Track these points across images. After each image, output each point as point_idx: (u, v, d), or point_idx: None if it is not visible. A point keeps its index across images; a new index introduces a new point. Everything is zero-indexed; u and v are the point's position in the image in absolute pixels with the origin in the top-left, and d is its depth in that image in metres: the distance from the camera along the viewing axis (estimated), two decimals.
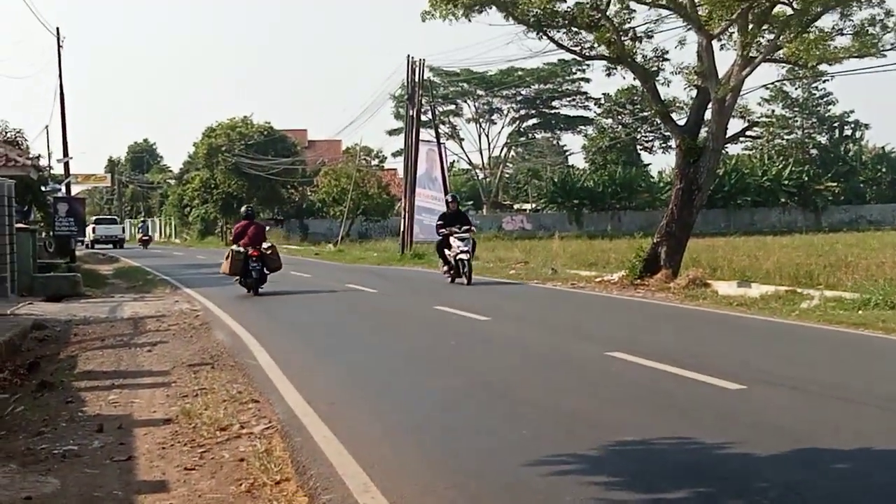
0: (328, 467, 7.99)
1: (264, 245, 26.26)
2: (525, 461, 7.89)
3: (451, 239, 27.64)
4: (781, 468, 7.56)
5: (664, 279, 24.46)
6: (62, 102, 47.01)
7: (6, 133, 44.30)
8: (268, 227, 31.00)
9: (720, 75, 24.70)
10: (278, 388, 11.63)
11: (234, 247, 26.34)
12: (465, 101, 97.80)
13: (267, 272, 26.27)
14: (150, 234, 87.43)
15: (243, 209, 28.89)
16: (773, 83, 58.38)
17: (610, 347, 13.84)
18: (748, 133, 37.44)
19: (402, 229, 48.06)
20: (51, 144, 62.14)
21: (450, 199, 30.36)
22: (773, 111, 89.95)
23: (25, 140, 46.81)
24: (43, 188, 42.59)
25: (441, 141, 51.95)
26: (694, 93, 26.42)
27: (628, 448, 8.32)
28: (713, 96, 24.70)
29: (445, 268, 28.34)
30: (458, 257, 27.38)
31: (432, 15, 26.70)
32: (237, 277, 26.24)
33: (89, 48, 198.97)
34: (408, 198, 47.42)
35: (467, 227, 28.11)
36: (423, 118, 49.49)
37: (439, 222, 28.80)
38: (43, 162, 49.57)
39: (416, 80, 47.00)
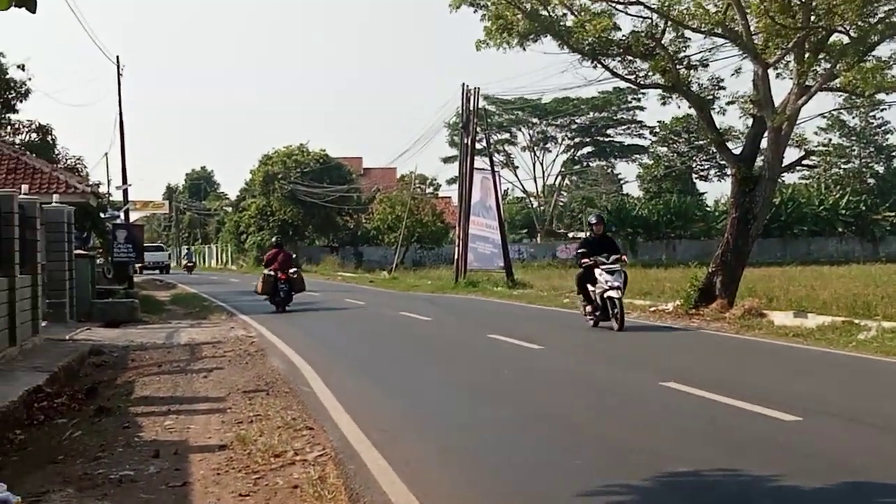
0: (381, 495, 8.01)
1: (291, 270, 30.57)
2: (579, 491, 7.88)
3: (597, 271, 22.21)
4: (835, 502, 7.49)
5: (719, 309, 24.29)
6: (121, 130, 47.63)
7: (67, 160, 44.98)
8: (294, 255, 36.31)
9: (776, 104, 24.57)
10: (332, 415, 11.69)
11: (266, 271, 31.12)
12: (520, 130, 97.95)
13: (293, 293, 30.60)
14: (193, 260, 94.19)
15: (274, 238, 35.17)
16: (829, 112, 58.06)
17: (664, 377, 13.78)
18: (805, 162, 37.15)
19: (456, 257, 48.08)
20: (110, 171, 63.02)
21: (594, 221, 24.14)
22: (830, 140, 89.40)
23: (85, 167, 47.59)
24: (102, 215, 43.01)
25: (495, 169, 51.95)
26: (750, 121, 26.32)
27: (681, 479, 8.27)
28: (769, 125, 24.57)
29: (588, 308, 22.88)
30: (606, 294, 21.94)
31: (487, 44, 26.84)
32: (267, 296, 30.56)
33: (149, 76, 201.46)
34: (462, 226, 47.45)
35: (617, 255, 22.82)
36: (478, 146, 49.56)
37: (581, 250, 23.45)
38: (102, 189, 50.22)
39: (471, 108, 47.12)
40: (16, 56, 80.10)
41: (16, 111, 43.88)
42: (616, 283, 21.79)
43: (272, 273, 30.49)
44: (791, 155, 27.17)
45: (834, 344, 18.21)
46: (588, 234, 25.31)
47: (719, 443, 9.74)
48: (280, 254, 31.27)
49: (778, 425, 10.46)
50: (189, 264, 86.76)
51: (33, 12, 5.69)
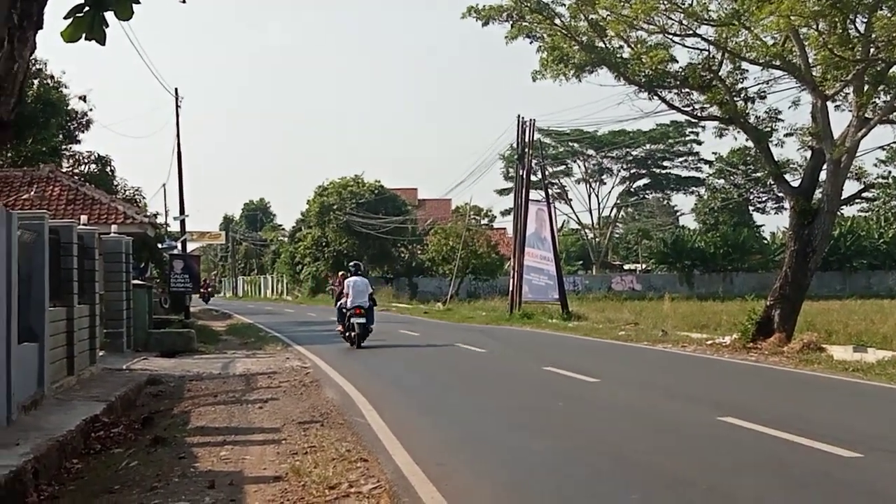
0: None
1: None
2: None
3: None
4: None
5: (777, 343, 24.06)
6: (179, 161, 48.14)
7: (125, 191, 45.46)
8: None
9: (835, 136, 24.38)
10: (387, 447, 11.67)
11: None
12: (575, 161, 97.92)
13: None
14: (212, 285, 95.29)
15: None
16: (889, 144, 57.30)
17: (722, 412, 13.65)
18: (864, 195, 36.83)
19: (510, 289, 47.99)
20: (168, 202, 63.49)
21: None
22: (890, 172, 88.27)
23: (143, 198, 48.06)
24: (159, 245, 43.46)
25: (550, 201, 51.85)
26: (808, 154, 26.12)
27: None
28: (828, 157, 24.38)
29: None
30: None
31: (543, 75, 26.89)
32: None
33: (207, 109, 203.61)
34: (517, 257, 47.36)
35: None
36: (533, 178, 49.57)
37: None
38: (160, 219, 50.70)
39: (526, 139, 47.14)
40: (77, 87, 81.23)
41: (77, 142, 44.51)
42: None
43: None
44: (850, 187, 26.92)
45: (894, 379, 17.95)
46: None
47: (778, 479, 9.61)
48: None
49: (837, 462, 10.32)
50: (205, 291, 71.12)
51: (102, 44, 5.76)
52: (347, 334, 27.94)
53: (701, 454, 11.05)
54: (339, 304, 28.90)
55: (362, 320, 27.51)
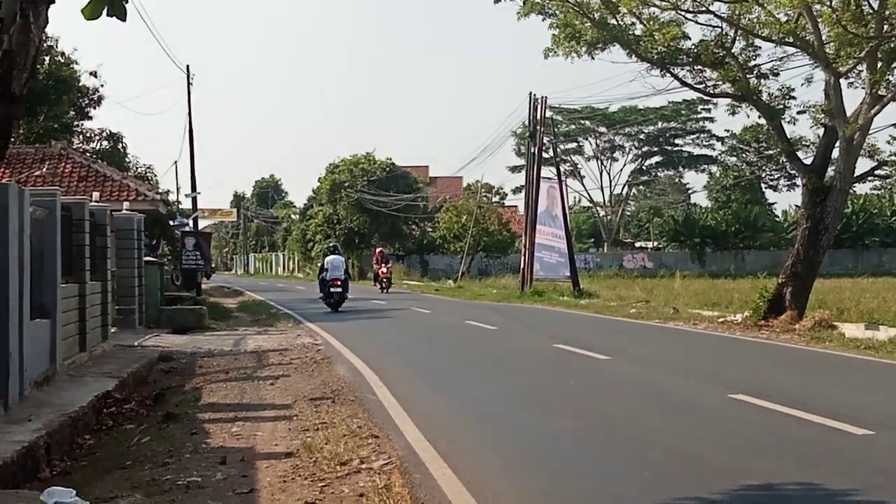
0: None
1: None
2: None
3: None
4: None
5: (789, 320, 24.02)
6: (191, 139, 48.03)
7: (137, 168, 45.54)
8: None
9: (848, 114, 24.27)
10: (398, 423, 11.69)
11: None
12: (587, 139, 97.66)
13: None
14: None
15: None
16: None
17: (734, 390, 13.64)
18: (877, 172, 36.63)
19: (522, 266, 47.95)
20: (179, 179, 63.47)
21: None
22: None
23: (155, 175, 48.17)
24: (171, 222, 43.49)
25: (562, 178, 51.73)
26: (821, 131, 26.02)
27: (752, 493, 8.17)
28: (841, 135, 24.28)
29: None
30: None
31: (555, 52, 26.81)
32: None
33: (218, 85, 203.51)
34: (528, 235, 47.31)
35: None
36: (545, 155, 49.45)
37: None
38: (171, 197, 50.76)
39: (538, 117, 47.03)
40: (88, 63, 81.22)
41: (89, 118, 44.59)
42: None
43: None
44: (863, 165, 26.81)
45: None
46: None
47: (790, 456, 9.60)
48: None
49: (850, 439, 10.31)
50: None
51: (123, 20, 5.73)
52: (328, 300, 34.87)
53: (713, 432, 11.04)
54: (320, 276, 36.06)
55: (339, 289, 34.78)
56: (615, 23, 26.32)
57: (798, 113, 27.22)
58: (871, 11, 23.13)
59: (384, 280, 52.37)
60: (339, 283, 34.76)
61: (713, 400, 13.27)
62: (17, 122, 6.27)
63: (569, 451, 10.26)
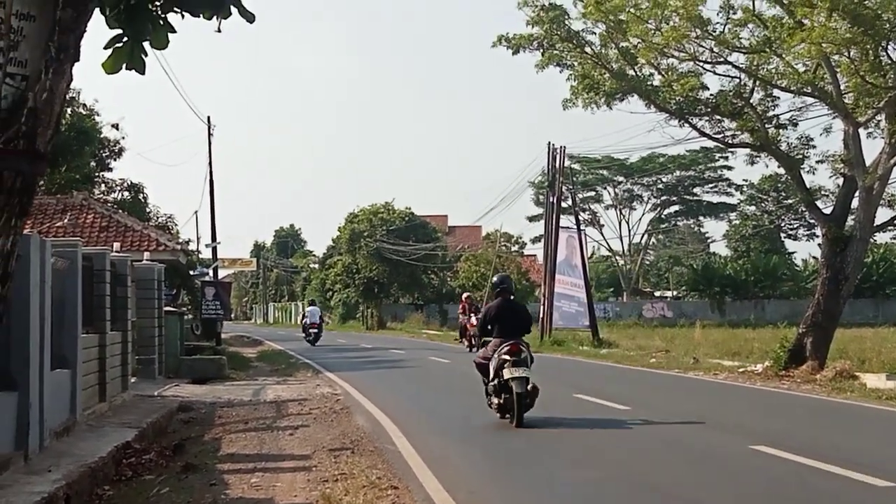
0: None
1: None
2: None
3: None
4: None
5: (810, 371, 23.90)
6: (211, 188, 48.25)
7: (158, 218, 45.79)
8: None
9: (867, 163, 24.28)
10: (417, 474, 11.66)
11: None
12: (606, 188, 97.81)
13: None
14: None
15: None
16: None
17: (755, 440, 13.56)
18: None
19: (541, 316, 47.83)
20: (200, 229, 63.72)
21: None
22: None
23: (175, 225, 48.37)
24: (191, 272, 43.66)
25: (581, 227, 51.78)
26: (840, 181, 26.00)
27: None
28: (860, 184, 24.28)
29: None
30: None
31: (574, 103, 26.92)
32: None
33: (239, 136, 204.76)
34: (547, 284, 47.29)
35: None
36: (563, 205, 49.58)
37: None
38: (192, 246, 50.93)
39: (557, 166, 47.18)
40: (110, 115, 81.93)
41: (110, 169, 44.94)
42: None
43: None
44: (883, 215, 26.79)
45: None
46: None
47: None
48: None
49: (871, 491, 10.25)
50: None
51: (142, 73, 5.82)
52: (308, 338, 49.60)
53: (734, 483, 10.98)
54: (302, 321, 53.27)
55: (315, 330, 49.94)
56: (633, 73, 26.48)
57: (817, 162, 27.33)
58: (889, 62, 23.21)
59: (473, 336, 33.00)
60: (315, 325, 50.32)
61: (735, 450, 13.20)
62: (41, 178, 6.32)
63: (590, 502, 10.21)
